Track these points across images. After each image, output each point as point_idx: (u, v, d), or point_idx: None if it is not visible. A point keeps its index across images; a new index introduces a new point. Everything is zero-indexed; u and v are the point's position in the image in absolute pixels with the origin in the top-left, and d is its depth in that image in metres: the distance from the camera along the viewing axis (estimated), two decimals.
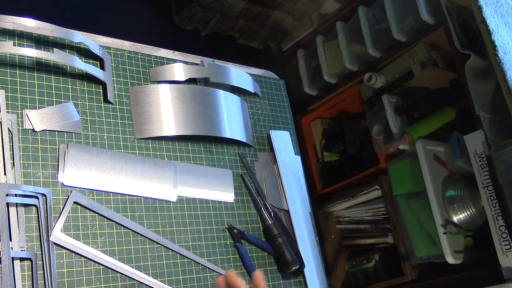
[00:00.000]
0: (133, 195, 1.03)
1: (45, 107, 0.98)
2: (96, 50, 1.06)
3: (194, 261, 1.06)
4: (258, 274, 0.77)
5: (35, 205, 0.89)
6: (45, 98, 0.99)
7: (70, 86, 1.03)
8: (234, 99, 1.27)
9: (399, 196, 1.69)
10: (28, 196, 0.88)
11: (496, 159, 1.33)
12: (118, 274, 0.95)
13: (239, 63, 1.39)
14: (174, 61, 1.23)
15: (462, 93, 1.52)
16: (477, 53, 1.47)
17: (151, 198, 1.05)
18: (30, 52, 0.94)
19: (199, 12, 2.00)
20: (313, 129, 2.11)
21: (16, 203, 0.87)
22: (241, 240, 1.15)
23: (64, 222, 0.92)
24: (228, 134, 1.21)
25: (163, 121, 1.11)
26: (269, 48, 2.36)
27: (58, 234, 0.90)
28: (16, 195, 0.87)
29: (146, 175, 1.06)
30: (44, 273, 0.86)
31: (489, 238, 1.34)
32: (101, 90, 1.08)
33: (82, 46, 1.07)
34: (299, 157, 1.36)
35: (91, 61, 1.08)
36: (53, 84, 1.01)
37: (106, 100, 1.07)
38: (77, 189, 0.96)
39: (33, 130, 0.95)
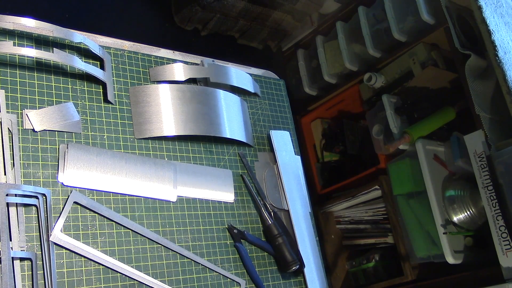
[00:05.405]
0: (133, 195, 1.03)
1: (45, 107, 0.98)
2: (96, 50, 1.06)
3: (194, 261, 1.06)
4: None
5: (35, 205, 0.89)
6: (45, 98, 0.99)
7: (70, 86, 1.03)
8: (234, 99, 1.27)
9: (399, 196, 1.69)
10: (28, 196, 0.88)
11: (496, 159, 1.33)
12: (118, 274, 0.95)
13: (239, 63, 1.39)
14: (174, 61, 1.23)
15: (462, 93, 1.52)
16: (477, 53, 1.47)
17: (151, 198, 1.05)
18: (30, 52, 0.94)
19: (199, 12, 2.00)
20: (313, 129, 2.11)
21: (16, 203, 0.87)
22: (241, 240, 1.15)
23: (64, 222, 0.92)
24: (228, 134, 1.21)
25: (163, 121, 1.11)
26: (269, 48, 2.36)
27: (58, 234, 0.90)
28: (16, 195, 0.87)
29: (146, 175, 1.06)
30: (44, 273, 0.86)
31: (489, 238, 1.34)
32: (101, 90, 1.08)
33: (82, 46, 1.07)
34: (299, 157, 1.36)
35: (91, 61, 1.08)
36: (53, 84, 1.01)
37: (106, 100, 1.07)
38: (77, 189, 0.96)
39: (33, 130, 0.95)
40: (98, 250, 0.94)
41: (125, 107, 1.10)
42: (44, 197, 0.91)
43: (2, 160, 0.89)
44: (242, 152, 1.26)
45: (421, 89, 1.77)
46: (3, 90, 0.94)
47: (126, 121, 1.09)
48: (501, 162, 1.32)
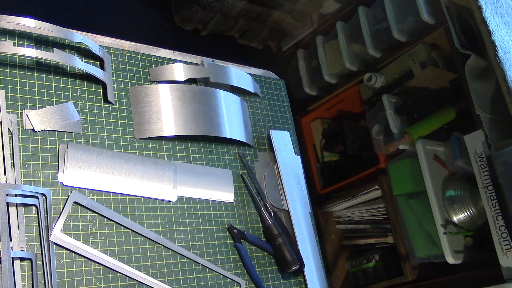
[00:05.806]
0: (133, 195, 1.03)
1: (45, 107, 0.98)
2: (96, 50, 1.06)
3: (194, 261, 1.06)
4: None
5: (35, 205, 0.89)
6: (45, 98, 0.99)
7: (70, 86, 1.03)
8: (234, 99, 1.27)
9: (399, 196, 1.69)
10: (28, 196, 0.88)
11: (496, 159, 1.33)
12: (118, 274, 0.95)
13: (239, 63, 1.39)
14: (174, 61, 1.23)
15: (462, 93, 1.51)
16: (477, 53, 1.47)
17: (151, 198, 1.05)
18: (30, 52, 0.94)
19: (199, 12, 2.00)
20: (313, 129, 2.11)
21: (16, 203, 0.87)
22: (241, 240, 1.15)
23: (64, 222, 0.92)
24: (228, 134, 1.21)
25: (163, 121, 1.11)
26: (269, 48, 2.36)
27: (58, 234, 0.90)
28: (16, 195, 0.87)
29: (146, 175, 1.06)
30: (44, 273, 0.86)
31: (489, 238, 1.34)
32: (101, 90, 1.08)
33: (82, 46, 1.07)
34: (299, 157, 1.36)
35: (91, 61, 1.08)
36: (53, 84, 1.01)
37: (106, 100, 1.07)
38: (77, 189, 0.96)
39: (33, 130, 0.95)
40: (98, 250, 0.94)
41: (125, 107, 1.10)
42: (44, 197, 0.91)
43: (2, 160, 0.89)
44: (242, 152, 1.26)
45: (421, 89, 1.77)
46: (3, 90, 0.94)
47: (126, 121, 1.09)
48: (501, 162, 1.32)
